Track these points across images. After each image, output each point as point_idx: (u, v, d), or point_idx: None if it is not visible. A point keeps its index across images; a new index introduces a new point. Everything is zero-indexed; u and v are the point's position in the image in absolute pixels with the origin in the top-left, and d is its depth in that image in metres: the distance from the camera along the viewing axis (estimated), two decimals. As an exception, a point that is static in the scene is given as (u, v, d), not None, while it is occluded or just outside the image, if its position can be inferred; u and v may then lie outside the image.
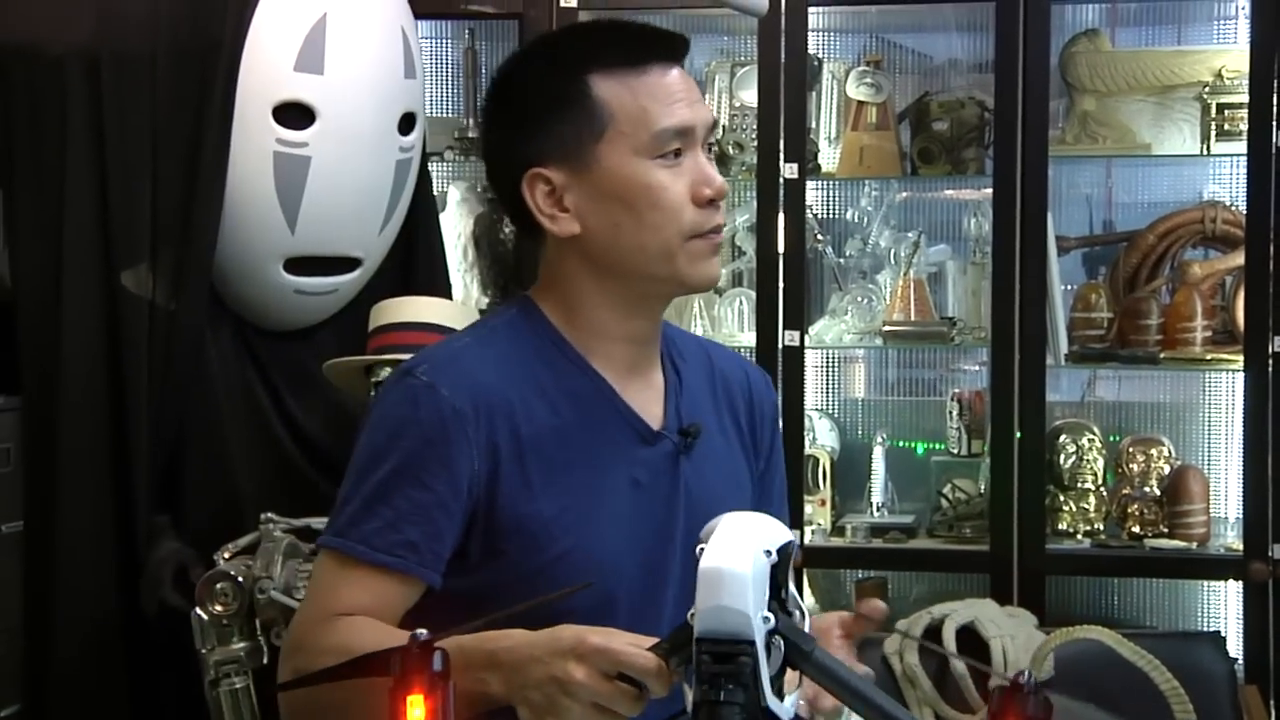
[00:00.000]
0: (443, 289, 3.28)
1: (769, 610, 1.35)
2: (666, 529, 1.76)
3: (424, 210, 3.26)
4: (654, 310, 1.81)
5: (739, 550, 1.36)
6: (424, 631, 1.24)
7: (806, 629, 1.42)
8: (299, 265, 2.96)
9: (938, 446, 3.77)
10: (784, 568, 1.39)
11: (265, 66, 2.84)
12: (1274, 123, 3.31)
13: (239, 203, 2.86)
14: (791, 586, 1.42)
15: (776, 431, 1.98)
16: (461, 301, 3.47)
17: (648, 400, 1.79)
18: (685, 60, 1.78)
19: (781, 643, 1.36)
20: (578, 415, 1.74)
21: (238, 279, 2.95)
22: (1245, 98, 3.38)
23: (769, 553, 1.37)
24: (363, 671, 1.36)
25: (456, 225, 3.62)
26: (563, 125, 1.72)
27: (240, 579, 2.51)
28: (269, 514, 2.62)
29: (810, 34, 3.56)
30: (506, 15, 3.55)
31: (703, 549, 1.36)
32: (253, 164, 2.85)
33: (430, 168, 3.37)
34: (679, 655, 1.40)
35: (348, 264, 3.03)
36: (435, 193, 3.46)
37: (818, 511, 3.65)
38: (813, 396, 3.81)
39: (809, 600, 3.76)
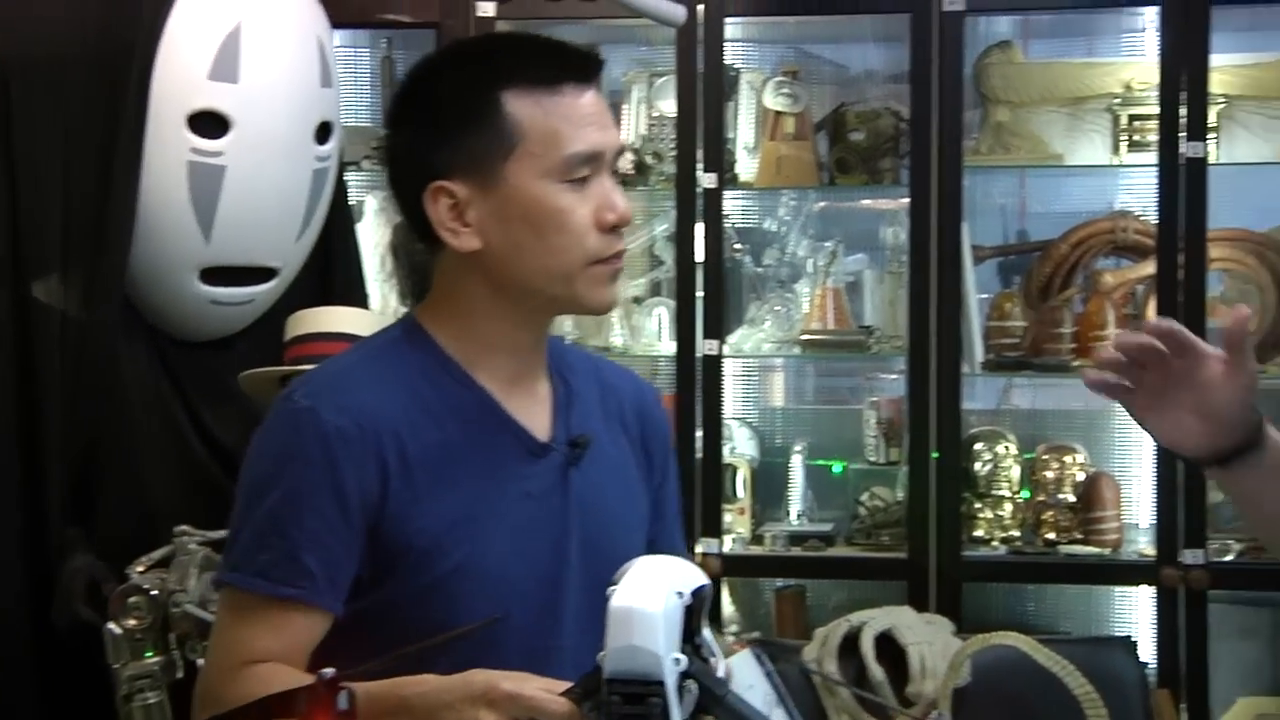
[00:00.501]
0: (360, 299, 3.27)
1: (681, 653, 1.35)
2: (560, 541, 1.75)
3: (341, 220, 3.25)
4: (543, 324, 1.80)
5: (650, 590, 1.35)
6: (330, 671, 1.22)
7: (720, 673, 1.42)
8: (215, 275, 2.93)
9: (856, 455, 3.79)
10: (698, 612, 1.39)
11: (179, 75, 2.81)
12: (1182, 134, 3.36)
13: (153, 212, 2.83)
14: (706, 631, 1.41)
15: (670, 449, 1.97)
16: (379, 311, 3.45)
17: (534, 412, 1.78)
18: (599, 81, 1.77)
19: (695, 686, 1.36)
20: (464, 431, 1.73)
21: (152, 289, 2.92)
22: (1154, 109, 3.43)
23: (681, 594, 1.37)
24: (270, 713, 1.34)
25: (374, 235, 3.61)
26: (471, 140, 1.70)
27: (154, 592, 2.48)
28: (184, 527, 2.59)
29: (728, 44, 3.57)
30: (423, 24, 3.54)
31: (614, 589, 1.36)
32: (167, 173, 2.82)
33: (347, 177, 3.35)
34: (591, 700, 1.39)
35: (264, 274, 3.00)
36: (352, 202, 3.44)
37: (737, 520, 3.66)
38: (732, 405, 3.82)
39: (727, 609, 3.77)
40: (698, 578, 1.40)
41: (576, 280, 1.72)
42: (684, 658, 1.34)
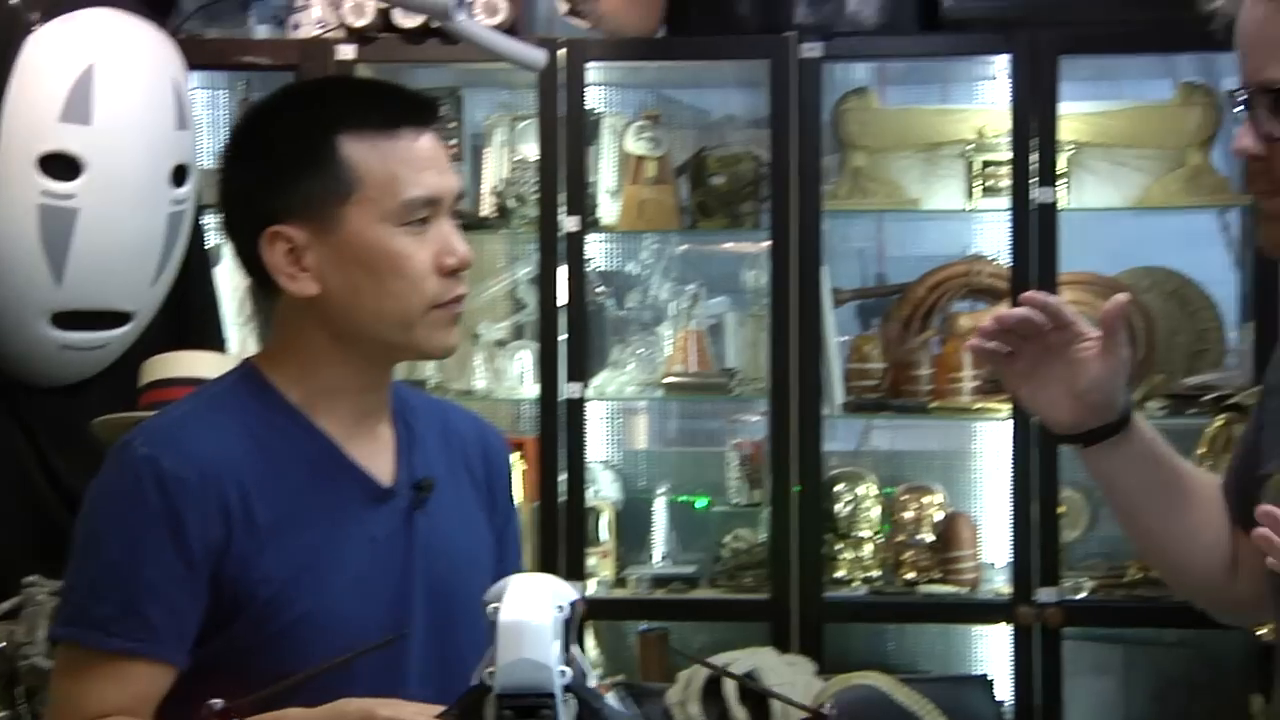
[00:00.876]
0: (217, 343, 3.22)
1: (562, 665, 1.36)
2: (405, 586, 1.74)
3: (198, 263, 3.21)
4: (385, 368, 1.79)
5: (537, 604, 1.36)
6: (219, 701, 1.21)
7: (591, 684, 1.42)
8: (67, 319, 2.88)
9: (719, 496, 3.81)
10: (573, 624, 1.40)
11: (29, 117, 2.77)
12: (1033, 179, 3.43)
13: (1, 255, 2.77)
14: (575, 646, 1.42)
15: (511, 489, 1.98)
16: (238, 356, 3.41)
17: (377, 456, 1.77)
18: (436, 124, 1.76)
19: (574, 700, 1.36)
20: (306, 477, 1.71)
21: (1, 333, 2.85)
22: (1006, 155, 3.50)
23: (561, 608, 1.38)
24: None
25: (233, 278, 3.56)
26: (308, 184, 1.68)
27: (1, 645, 2.42)
28: (33, 577, 2.53)
29: (589, 88, 3.60)
30: (282, 67, 3.52)
31: (496, 607, 1.36)
32: (16, 215, 2.77)
33: (205, 220, 3.31)
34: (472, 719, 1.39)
35: (118, 318, 2.95)
36: (210, 245, 3.40)
37: (601, 563, 3.66)
38: (595, 448, 3.82)
39: (592, 653, 3.76)
40: (571, 591, 1.41)
41: (416, 325, 1.71)
42: (568, 669, 1.35)
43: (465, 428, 1.92)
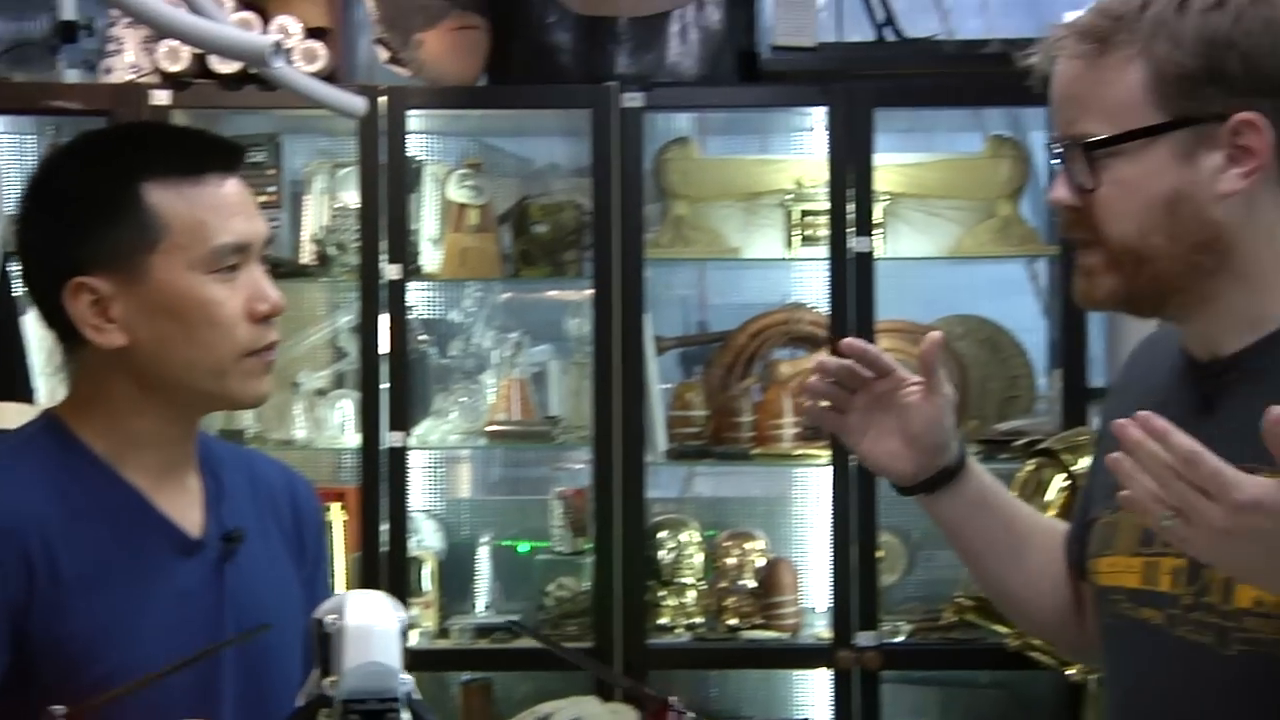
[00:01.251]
0: (25, 394, 3.13)
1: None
2: (215, 639, 1.70)
3: (5, 312, 3.11)
4: (194, 419, 1.76)
5: (381, 610, 1.37)
6: (60, 709, 1.17)
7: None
8: None
9: (542, 545, 3.79)
10: (404, 640, 1.41)
11: None
12: (850, 229, 3.50)
13: None
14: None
15: (322, 539, 1.96)
16: (44, 407, 3.32)
17: (185, 507, 1.74)
18: (241, 169, 1.74)
19: (410, 715, 1.36)
20: (113, 530, 1.67)
21: None
22: (824, 205, 3.56)
23: (400, 618, 1.38)
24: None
25: (39, 327, 3.47)
26: (112, 233, 1.65)
27: None
28: None
29: (411, 136, 3.59)
30: (94, 112, 3.44)
31: (335, 618, 1.36)
32: None
33: (11, 268, 3.22)
34: None
35: (-82, 368, 2.85)
36: (18, 294, 3.30)
37: (423, 614, 3.63)
38: (418, 497, 3.79)
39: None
40: (400, 607, 1.41)
41: (229, 374, 1.68)
42: (409, 678, 1.35)
43: (273, 478, 1.89)
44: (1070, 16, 1.51)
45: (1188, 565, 1.46)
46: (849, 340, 1.68)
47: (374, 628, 1.35)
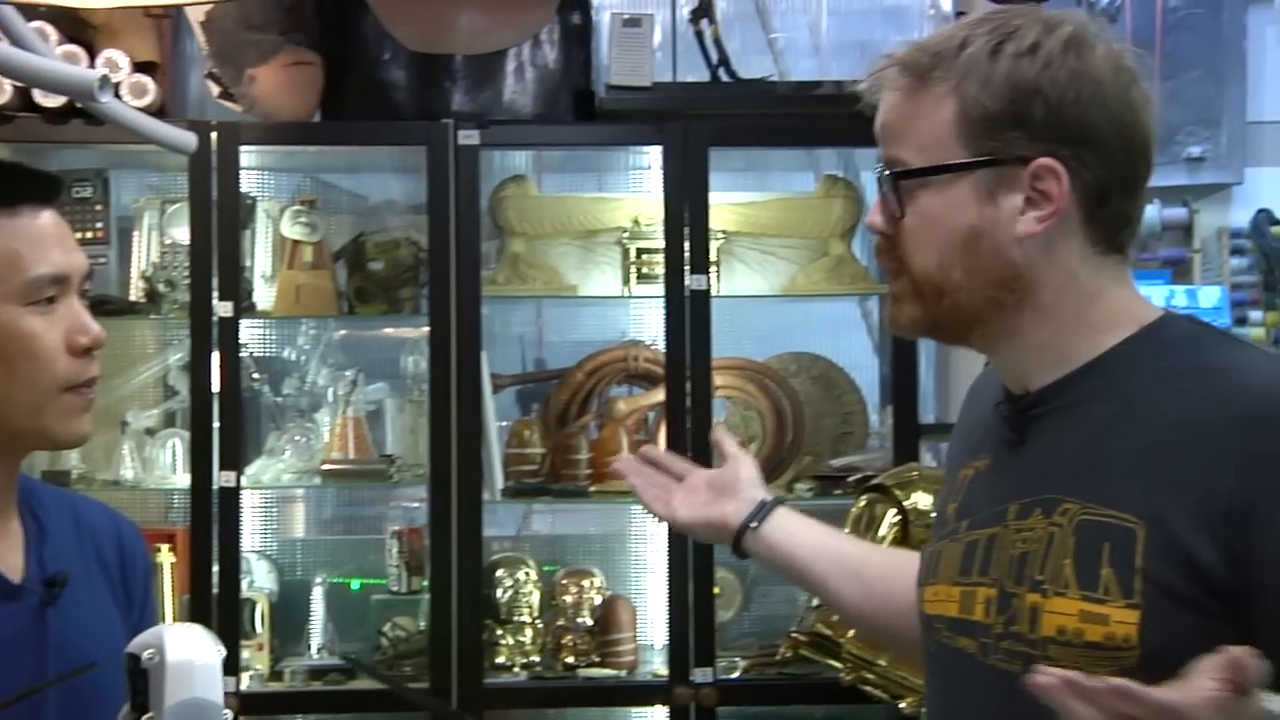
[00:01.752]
0: None
1: None
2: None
3: None
4: (15, 461, 1.72)
5: (202, 645, 1.35)
6: None
7: None
8: None
9: (378, 584, 3.76)
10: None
11: None
12: (686, 267, 3.52)
13: None
14: None
15: (150, 583, 1.92)
16: None
17: (5, 551, 1.70)
18: (58, 202, 1.71)
19: None
20: None
21: None
22: (660, 243, 3.59)
23: (220, 651, 1.38)
24: None
25: None
26: None
27: None
28: None
29: (243, 172, 3.54)
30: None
31: (153, 652, 1.33)
32: None
33: None
34: None
35: None
36: None
37: (255, 656, 3.56)
38: (250, 538, 3.73)
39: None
40: (217, 640, 1.40)
41: (46, 411, 1.65)
42: (229, 712, 1.34)
43: (98, 520, 1.85)
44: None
45: (999, 594, 1.50)
46: (646, 449, 1.86)
47: (195, 662, 1.34)
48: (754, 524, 1.82)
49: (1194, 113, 4.06)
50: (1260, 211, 4.10)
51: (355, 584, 3.78)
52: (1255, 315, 4.11)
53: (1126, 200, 1.51)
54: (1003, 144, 1.47)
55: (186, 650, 1.35)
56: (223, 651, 1.38)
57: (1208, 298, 3.78)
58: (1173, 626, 1.37)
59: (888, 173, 1.52)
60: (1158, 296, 3.66)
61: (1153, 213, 4.00)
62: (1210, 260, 4.09)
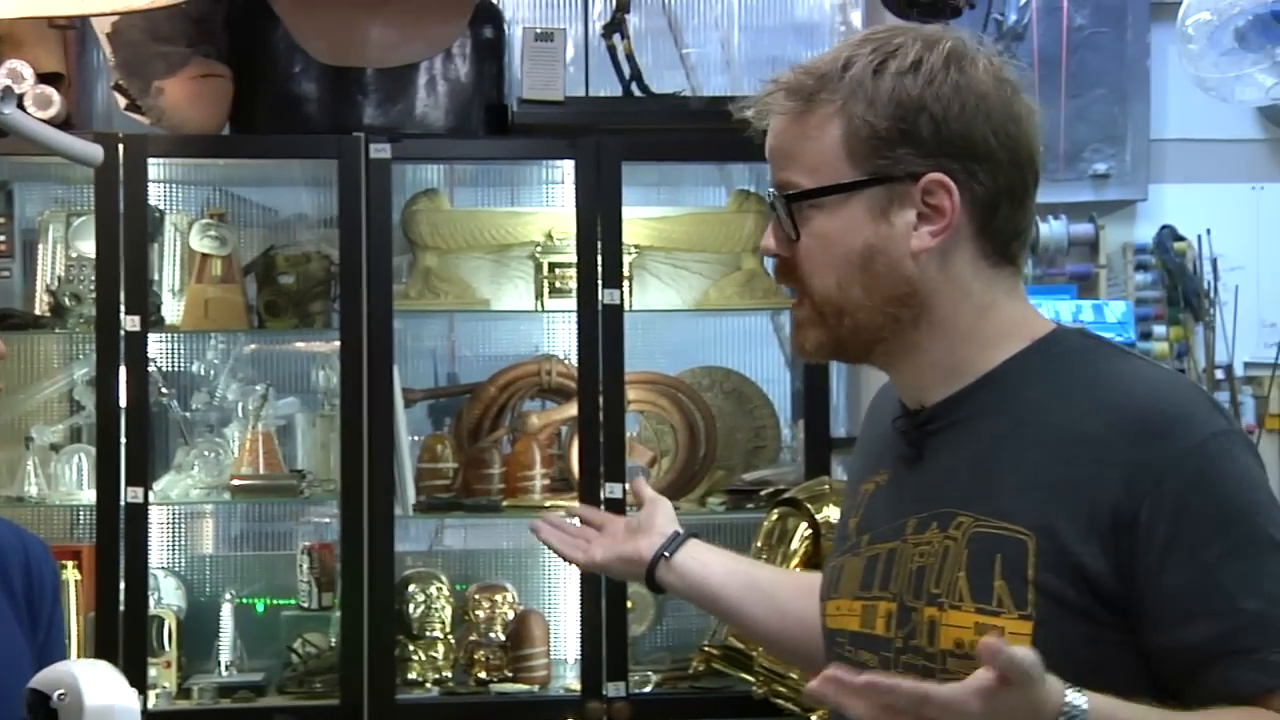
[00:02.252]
0: None
1: None
2: None
3: None
4: None
5: (119, 687, 1.32)
6: None
7: None
8: None
9: (288, 601, 3.72)
10: None
11: None
12: (598, 281, 3.53)
13: None
14: None
15: (57, 602, 1.89)
16: None
17: None
18: None
19: None
20: None
21: None
22: (573, 257, 3.59)
23: (135, 693, 1.35)
24: None
25: None
26: None
27: None
28: None
29: (151, 184, 3.51)
30: None
31: (63, 693, 1.30)
32: None
33: None
34: None
35: None
36: None
37: (162, 674, 3.52)
38: (158, 554, 3.69)
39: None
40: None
41: None
42: None
43: (3, 538, 1.83)
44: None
45: (898, 608, 1.52)
46: (579, 509, 1.86)
47: (115, 707, 1.30)
48: (666, 554, 1.83)
49: (1099, 130, 4.12)
50: (1164, 228, 4.17)
51: (261, 605, 3.74)
52: (1159, 330, 4.18)
53: (1016, 211, 1.53)
54: (892, 161, 1.49)
55: (105, 694, 1.31)
56: (135, 694, 1.35)
57: (1114, 313, 3.84)
58: (1065, 635, 1.40)
59: (780, 196, 1.53)
60: (1065, 311, 3.71)
61: (1059, 228, 4.06)
62: (1115, 276, 4.15)
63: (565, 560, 1.91)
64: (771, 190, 1.55)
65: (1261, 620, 1.37)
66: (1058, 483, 1.43)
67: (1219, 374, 4.12)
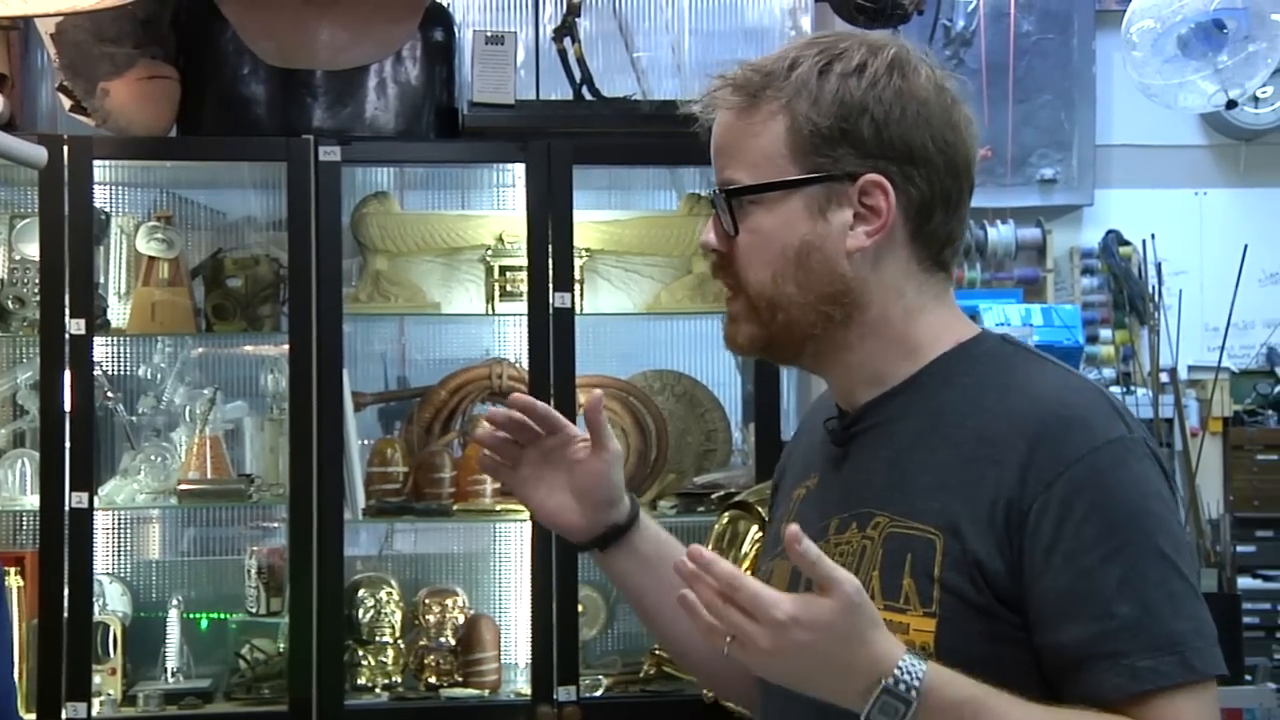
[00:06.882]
0: None
1: None
2: None
3: None
4: None
5: None
6: None
7: None
8: None
9: (236, 606, 3.69)
10: None
11: None
12: (549, 284, 3.52)
13: None
14: None
15: (4, 605, 1.87)
16: None
17: None
18: None
19: None
20: None
21: None
22: (524, 261, 3.58)
23: None
24: None
25: None
26: None
27: None
28: None
29: (97, 187, 3.48)
30: None
31: None
32: None
33: None
34: None
35: None
36: None
37: (107, 681, 3.48)
38: (103, 560, 3.66)
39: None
40: None
41: None
42: None
43: None
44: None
45: None
46: (517, 395, 1.70)
47: None
48: (600, 548, 1.75)
49: (1046, 135, 4.16)
50: (1110, 232, 4.21)
51: (208, 612, 3.70)
52: (1105, 334, 4.22)
53: (950, 217, 1.55)
54: (832, 160, 1.50)
55: None
56: None
57: (1066, 316, 3.86)
58: (966, 632, 1.42)
59: (721, 191, 1.54)
60: (1014, 315, 3.73)
61: (1007, 233, 4.09)
62: (1063, 280, 4.19)
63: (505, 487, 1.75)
64: (713, 186, 1.56)
65: (1133, 626, 1.39)
66: (964, 484, 1.45)
67: (1163, 377, 4.16)
